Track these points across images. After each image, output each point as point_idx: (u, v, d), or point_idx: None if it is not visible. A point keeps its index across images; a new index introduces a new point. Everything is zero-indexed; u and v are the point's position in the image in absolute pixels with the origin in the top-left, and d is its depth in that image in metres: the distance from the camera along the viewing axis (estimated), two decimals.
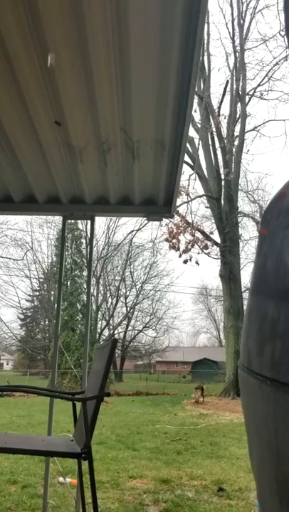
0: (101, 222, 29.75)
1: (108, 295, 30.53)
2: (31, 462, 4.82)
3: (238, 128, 16.84)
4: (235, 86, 16.85)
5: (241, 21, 16.07)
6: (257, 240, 0.86)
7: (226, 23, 23.47)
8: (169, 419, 9.81)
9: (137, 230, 24.29)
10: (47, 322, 30.96)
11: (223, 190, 16.44)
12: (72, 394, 2.96)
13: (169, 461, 5.30)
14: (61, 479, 3.99)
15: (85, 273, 22.34)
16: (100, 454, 5.46)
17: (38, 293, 33.00)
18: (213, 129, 16.26)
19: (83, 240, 23.09)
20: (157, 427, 8.53)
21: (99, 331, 27.66)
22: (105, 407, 11.55)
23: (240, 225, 18.13)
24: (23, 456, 4.70)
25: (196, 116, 16.31)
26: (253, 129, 17.67)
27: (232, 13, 16.51)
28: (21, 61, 1.98)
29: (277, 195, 0.82)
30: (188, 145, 14.76)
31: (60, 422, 6.75)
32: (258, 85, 17.09)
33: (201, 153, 16.75)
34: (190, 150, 16.03)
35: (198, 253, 15.92)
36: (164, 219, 3.58)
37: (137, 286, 30.75)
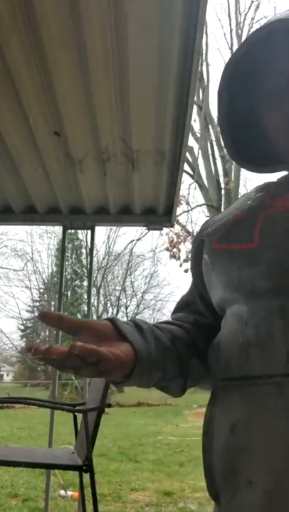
0: (101, 231, 29.78)
1: (109, 305, 30.46)
2: (32, 475, 4.77)
3: None
4: None
5: (239, 32, 16.25)
6: None
7: (224, 34, 23.76)
8: (171, 430, 9.73)
9: (138, 240, 24.33)
10: (47, 333, 30.86)
11: (223, 199, 16.49)
12: (73, 405, 2.94)
13: (171, 473, 5.24)
14: (62, 492, 3.94)
15: (85, 283, 22.33)
16: (102, 466, 5.40)
17: (38, 303, 32.93)
18: (213, 138, 16.35)
19: (83, 250, 23.11)
20: (159, 438, 8.46)
21: None
22: (106, 419, 11.45)
23: None
24: (24, 469, 4.64)
25: (196, 125, 16.41)
26: None
27: (230, 24, 16.72)
28: (21, 72, 1.99)
29: None
30: (187, 154, 14.82)
31: (61, 433, 6.69)
32: None
33: (200, 162, 16.83)
34: (190, 159, 16.10)
35: None
36: (164, 228, 3.58)
37: (138, 296, 30.67)
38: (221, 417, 0.67)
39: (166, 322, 0.83)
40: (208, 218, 0.92)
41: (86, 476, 2.33)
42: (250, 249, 0.69)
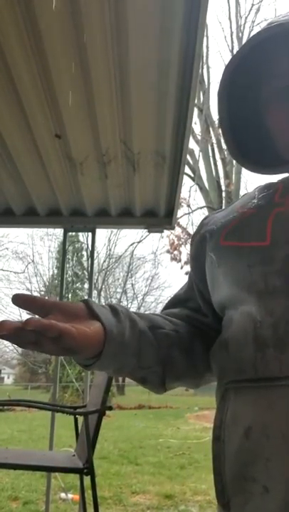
0: (102, 234, 29.83)
1: None
2: (32, 478, 4.76)
3: None
4: None
5: (240, 34, 16.28)
6: None
7: (225, 37, 23.83)
8: (171, 433, 9.71)
9: (138, 242, 24.31)
10: None
11: (224, 201, 16.49)
12: (73, 408, 2.94)
13: (172, 476, 5.23)
14: (63, 495, 3.93)
15: (86, 285, 22.30)
16: (102, 469, 5.39)
17: None
18: (214, 141, 16.37)
19: (84, 253, 23.10)
20: (160, 441, 8.43)
21: None
22: (107, 421, 11.42)
23: None
24: (24, 471, 4.64)
25: (196, 128, 16.43)
26: None
27: (231, 27, 16.76)
28: (22, 75, 2.00)
29: None
30: (188, 157, 14.82)
31: (61, 436, 6.68)
32: None
33: (201, 164, 16.85)
34: (190, 161, 16.11)
35: None
36: (165, 230, 3.58)
37: (139, 299, 30.66)
38: (233, 422, 0.63)
39: (150, 314, 0.81)
40: (207, 215, 0.91)
41: (87, 479, 2.33)
42: (262, 246, 0.67)
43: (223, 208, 0.89)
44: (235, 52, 0.76)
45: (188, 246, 15.68)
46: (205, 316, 0.83)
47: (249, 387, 0.62)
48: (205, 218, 0.88)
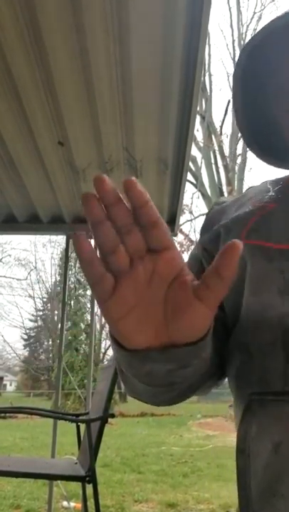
0: None
1: None
2: (34, 486, 4.73)
3: (240, 146, 17.01)
4: None
5: (242, 42, 16.39)
6: None
7: (227, 45, 23.98)
8: (174, 441, 9.64)
9: None
10: (50, 342, 30.79)
11: None
12: (76, 415, 2.92)
13: (175, 484, 5.19)
14: (65, 503, 3.90)
15: (88, 292, 22.29)
16: (105, 477, 5.35)
17: (41, 313, 32.92)
18: (216, 148, 16.42)
19: None
20: (163, 448, 8.38)
21: (103, 350, 27.44)
22: (110, 429, 11.34)
23: None
24: (26, 479, 4.61)
25: (199, 135, 16.49)
26: None
27: (232, 35, 16.89)
28: (25, 82, 2.01)
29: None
30: (190, 164, 14.85)
31: (64, 444, 6.64)
32: None
33: (203, 171, 16.89)
34: (193, 168, 16.15)
35: None
36: None
37: None
38: (260, 435, 0.59)
39: None
40: (214, 205, 0.81)
41: (89, 487, 2.31)
42: None
43: (226, 201, 0.80)
44: (236, 60, 0.73)
45: (190, 252, 15.64)
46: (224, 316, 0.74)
47: (277, 400, 0.58)
48: (215, 211, 0.80)
